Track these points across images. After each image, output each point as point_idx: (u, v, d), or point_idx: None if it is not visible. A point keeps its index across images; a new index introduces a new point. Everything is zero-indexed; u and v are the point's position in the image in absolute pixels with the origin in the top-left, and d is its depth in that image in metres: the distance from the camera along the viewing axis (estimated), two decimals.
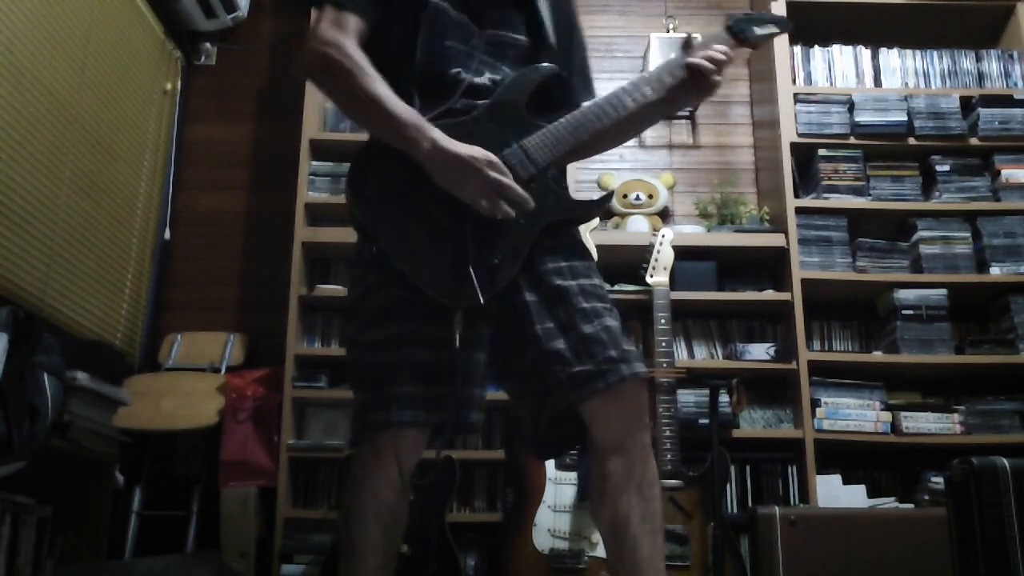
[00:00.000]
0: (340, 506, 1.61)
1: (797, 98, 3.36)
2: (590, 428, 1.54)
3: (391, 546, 1.58)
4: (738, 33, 1.65)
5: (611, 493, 1.53)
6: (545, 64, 1.64)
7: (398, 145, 1.49)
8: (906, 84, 3.44)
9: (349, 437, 1.60)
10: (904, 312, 3.14)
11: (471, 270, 1.47)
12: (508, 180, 1.48)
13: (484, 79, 1.60)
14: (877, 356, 3.21)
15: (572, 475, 2.66)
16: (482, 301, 1.48)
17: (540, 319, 1.54)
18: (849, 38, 3.50)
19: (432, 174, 1.48)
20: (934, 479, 2.98)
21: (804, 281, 3.16)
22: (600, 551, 2.57)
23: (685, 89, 1.63)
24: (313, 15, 1.60)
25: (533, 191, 1.52)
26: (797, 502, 3.04)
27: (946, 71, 3.47)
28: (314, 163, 3.41)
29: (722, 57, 1.59)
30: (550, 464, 2.68)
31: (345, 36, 1.53)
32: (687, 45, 1.63)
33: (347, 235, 3.24)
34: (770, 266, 3.37)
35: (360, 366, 1.57)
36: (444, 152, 1.46)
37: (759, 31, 1.67)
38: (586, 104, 1.61)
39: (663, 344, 2.86)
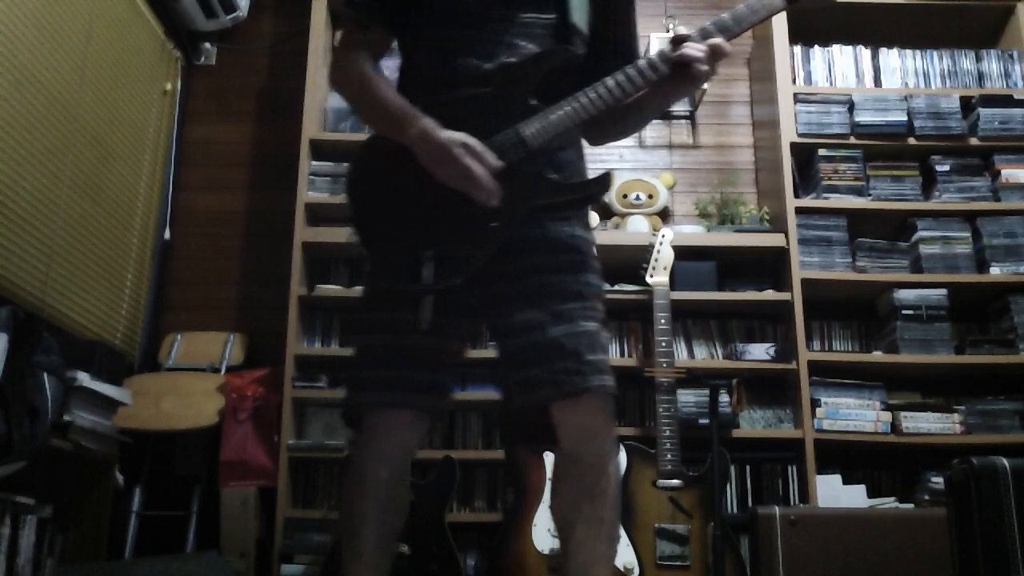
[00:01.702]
0: (340, 489, 1.67)
1: (797, 98, 3.36)
2: (556, 430, 1.56)
3: (388, 526, 1.60)
4: None
5: (561, 497, 1.58)
6: (555, 48, 1.60)
7: (394, 136, 1.54)
8: (906, 84, 3.44)
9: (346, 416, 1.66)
10: (904, 312, 3.14)
11: (421, 257, 1.50)
12: (477, 168, 1.46)
13: (494, 64, 1.56)
14: (877, 356, 3.20)
15: None
16: (425, 288, 1.50)
17: (511, 314, 1.54)
18: (849, 38, 3.50)
19: (420, 160, 1.51)
20: (934, 479, 2.98)
21: (804, 281, 3.15)
22: None
23: (673, 81, 1.61)
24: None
25: (519, 175, 1.50)
26: (797, 502, 3.04)
27: (946, 71, 3.46)
28: (314, 163, 3.40)
29: (704, 50, 1.57)
30: (550, 464, 2.68)
31: (352, 50, 1.64)
32: (677, 42, 1.62)
33: (347, 235, 3.29)
34: (770, 266, 3.37)
35: (350, 349, 1.65)
36: (427, 138, 1.48)
37: None
38: (587, 88, 1.56)
39: (663, 344, 2.86)
